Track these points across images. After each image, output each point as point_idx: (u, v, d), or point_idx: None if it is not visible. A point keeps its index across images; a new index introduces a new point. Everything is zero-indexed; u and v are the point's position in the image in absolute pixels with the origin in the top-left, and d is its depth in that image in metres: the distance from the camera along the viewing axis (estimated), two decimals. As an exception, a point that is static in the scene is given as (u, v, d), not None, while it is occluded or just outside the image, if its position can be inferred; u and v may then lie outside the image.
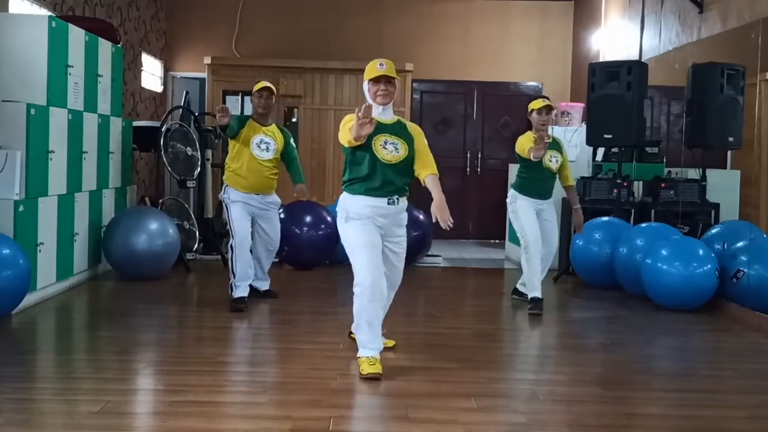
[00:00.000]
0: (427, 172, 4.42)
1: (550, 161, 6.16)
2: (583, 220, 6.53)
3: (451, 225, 4.20)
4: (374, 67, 4.34)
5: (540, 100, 6.24)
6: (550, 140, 6.05)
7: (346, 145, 4.33)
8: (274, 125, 6.12)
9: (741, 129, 7.30)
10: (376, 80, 4.36)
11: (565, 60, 11.53)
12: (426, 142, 4.53)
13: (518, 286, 6.59)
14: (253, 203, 5.97)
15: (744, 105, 7.29)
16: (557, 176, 6.32)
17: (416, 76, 10.60)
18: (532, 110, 6.16)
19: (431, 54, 11.22)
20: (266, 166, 5.94)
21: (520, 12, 11.49)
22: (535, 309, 6.05)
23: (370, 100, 4.40)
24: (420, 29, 11.30)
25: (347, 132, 4.23)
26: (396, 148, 4.35)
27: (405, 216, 4.54)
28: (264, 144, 5.93)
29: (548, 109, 6.12)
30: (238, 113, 9.18)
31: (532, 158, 5.86)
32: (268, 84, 6.04)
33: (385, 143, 4.34)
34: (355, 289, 4.33)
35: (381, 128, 4.34)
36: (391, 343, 4.85)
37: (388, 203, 4.35)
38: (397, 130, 4.43)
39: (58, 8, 7.74)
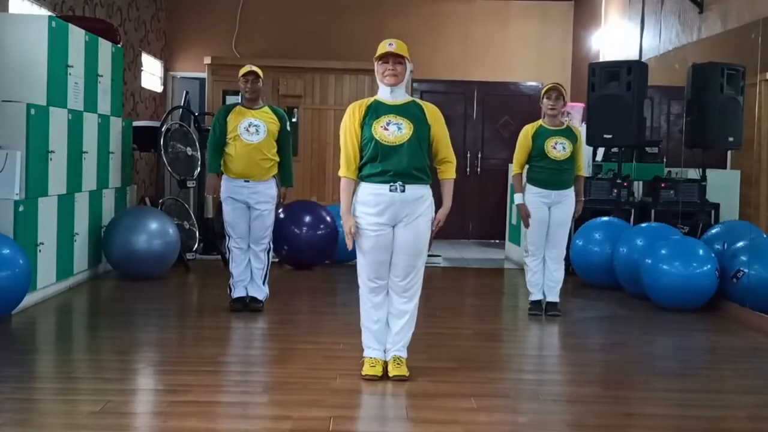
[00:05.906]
0: (445, 176, 4.30)
1: (554, 148, 5.84)
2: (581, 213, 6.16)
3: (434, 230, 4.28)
4: (384, 46, 4.16)
5: (550, 84, 6.02)
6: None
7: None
8: (266, 107, 5.86)
9: (741, 129, 7.29)
10: (384, 59, 4.17)
11: (565, 60, 11.52)
12: (446, 130, 4.31)
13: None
14: (243, 192, 5.73)
15: (744, 105, 7.28)
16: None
17: (416, 76, 10.58)
18: (543, 96, 5.92)
19: (431, 54, 11.20)
20: (257, 150, 5.70)
21: (520, 12, 11.48)
22: (533, 310, 6.05)
23: (379, 83, 4.25)
24: (420, 29, 11.28)
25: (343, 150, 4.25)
26: (399, 128, 4.14)
27: (424, 210, 4.20)
28: (253, 127, 5.71)
29: (557, 93, 5.83)
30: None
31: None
32: (253, 68, 5.79)
33: (387, 124, 4.15)
34: (359, 291, 4.36)
35: (385, 109, 4.19)
36: (401, 371, 4.26)
37: (390, 190, 4.12)
38: (406, 110, 4.20)
39: (58, 8, 7.73)
